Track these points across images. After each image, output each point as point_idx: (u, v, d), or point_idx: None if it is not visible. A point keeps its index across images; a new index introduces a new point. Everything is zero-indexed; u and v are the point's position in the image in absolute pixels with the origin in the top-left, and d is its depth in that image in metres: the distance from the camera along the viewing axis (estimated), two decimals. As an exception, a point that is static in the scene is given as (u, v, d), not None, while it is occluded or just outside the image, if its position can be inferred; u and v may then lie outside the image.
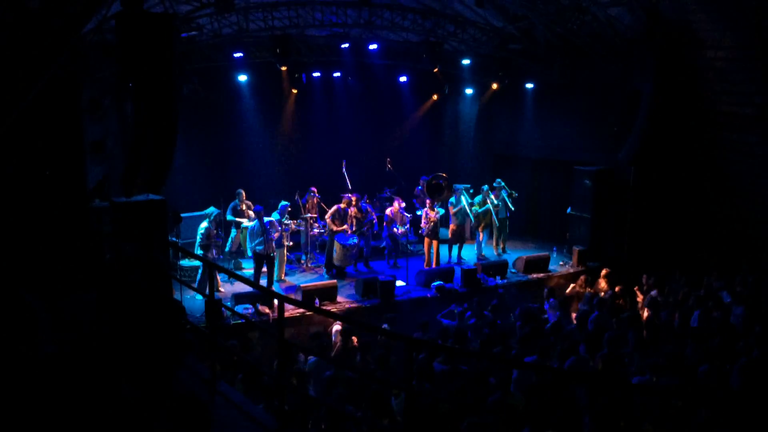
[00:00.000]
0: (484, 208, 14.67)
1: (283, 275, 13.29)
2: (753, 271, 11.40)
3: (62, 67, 5.88)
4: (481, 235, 14.97)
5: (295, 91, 16.12)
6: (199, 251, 12.16)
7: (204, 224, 12.38)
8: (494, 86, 17.00)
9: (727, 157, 13.45)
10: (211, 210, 12.64)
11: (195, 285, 11.76)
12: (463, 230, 14.82)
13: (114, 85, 11.13)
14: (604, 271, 12.44)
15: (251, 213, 12.99)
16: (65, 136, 6.24)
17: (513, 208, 15.06)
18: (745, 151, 13.11)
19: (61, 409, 3.90)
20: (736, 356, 7.85)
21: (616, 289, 11.34)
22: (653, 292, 11.11)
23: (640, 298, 11.59)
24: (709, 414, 5.87)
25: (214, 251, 12.47)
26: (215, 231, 12.58)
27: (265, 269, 12.29)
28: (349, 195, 14.01)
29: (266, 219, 12.30)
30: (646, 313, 10.51)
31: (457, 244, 14.78)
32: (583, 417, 6.19)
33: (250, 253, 12.66)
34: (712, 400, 6.03)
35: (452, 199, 14.52)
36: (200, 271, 12.22)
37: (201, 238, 12.29)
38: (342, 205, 13.49)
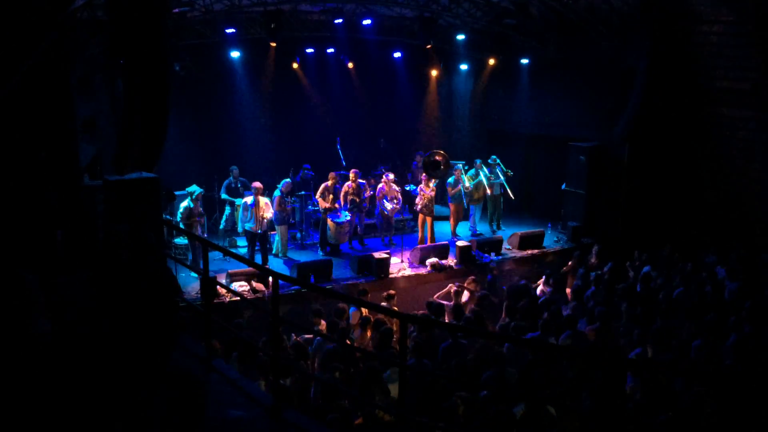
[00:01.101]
0: (476, 181, 14.57)
1: (286, 252, 13.31)
2: (745, 248, 11.46)
3: (51, 45, 5.81)
4: (473, 209, 14.91)
5: (291, 66, 15.98)
6: None
7: (184, 203, 12.10)
8: (491, 62, 16.85)
9: (721, 132, 13.45)
10: (193, 188, 12.24)
11: (188, 263, 11.76)
12: (461, 209, 14.80)
13: (104, 62, 11.00)
14: (595, 248, 12.49)
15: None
16: (56, 115, 6.17)
17: (509, 189, 14.96)
18: (740, 127, 13.11)
19: (55, 388, 3.91)
20: (728, 332, 7.93)
21: (610, 265, 11.40)
22: (646, 268, 11.17)
23: (631, 274, 11.65)
24: (702, 389, 5.93)
25: (199, 230, 12.33)
26: (199, 210, 12.28)
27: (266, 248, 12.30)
28: (345, 171, 13.96)
29: (264, 198, 12.27)
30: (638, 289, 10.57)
31: (452, 221, 14.80)
32: (580, 392, 6.26)
33: (240, 230, 12.67)
34: (705, 376, 6.10)
35: (450, 180, 14.44)
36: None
37: (181, 218, 11.99)
38: (329, 183, 13.43)
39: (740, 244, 11.75)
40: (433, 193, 13.88)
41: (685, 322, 8.57)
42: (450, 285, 10.82)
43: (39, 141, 5.93)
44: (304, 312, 10.43)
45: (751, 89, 12.46)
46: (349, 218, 13.33)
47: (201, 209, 12.38)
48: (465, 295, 10.67)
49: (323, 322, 8.81)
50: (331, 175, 13.58)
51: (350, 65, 16.86)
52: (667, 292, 9.75)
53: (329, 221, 13.19)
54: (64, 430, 3.87)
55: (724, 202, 13.37)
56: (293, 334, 8.91)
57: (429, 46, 15.61)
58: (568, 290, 11.12)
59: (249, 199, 12.21)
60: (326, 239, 13.47)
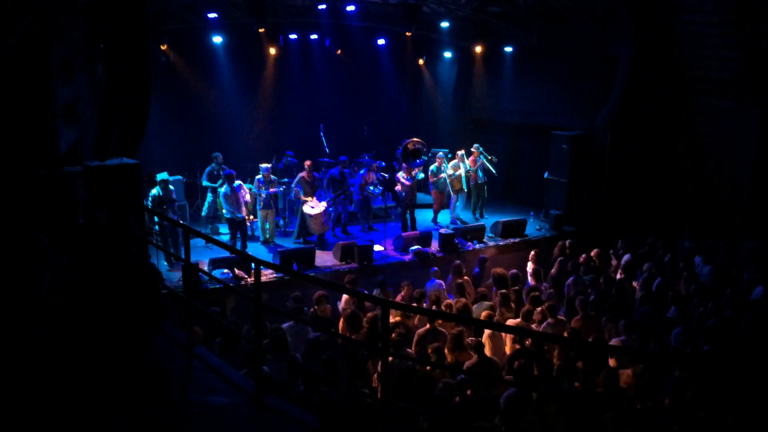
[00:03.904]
0: (457, 173, 14.57)
1: (273, 238, 13.29)
2: (724, 236, 11.58)
3: (30, 28, 5.71)
4: (455, 197, 14.93)
5: (274, 52, 15.84)
6: None
7: (153, 191, 11.73)
8: (478, 50, 16.79)
9: (702, 122, 13.56)
10: (162, 176, 11.91)
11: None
12: (442, 196, 14.82)
13: (85, 45, 10.83)
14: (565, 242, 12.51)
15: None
16: (35, 99, 6.08)
17: (495, 173, 15.01)
18: (720, 117, 13.21)
19: (41, 373, 3.87)
20: (706, 318, 8.04)
21: (593, 253, 11.48)
22: (626, 257, 11.26)
23: (614, 262, 11.75)
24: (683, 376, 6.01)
25: (174, 217, 12.11)
26: (170, 197, 11.94)
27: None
28: (329, 159, 13.87)
29: (236, 183, 12.23)
30: (619, 277, 10.68)
31: (434, 209, 14.83)
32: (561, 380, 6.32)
33: (227, 215, 12.61)
34: (684, 362, 6.17)
35: (433, 168, 14.45)
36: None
37: (151, 206, 11.55)
38: (305, 171, 13.38)
39: (719, 232, 11.88)
40: (413, 181, 13.89)
41: (667, 310, 8.67)
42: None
43: (19, 125, 5.85)
44: (286, 299, 10.41)
45: (733, 79, 12.55)
46: (324, 208, 13.16)
47: (173, 196, 12.14)
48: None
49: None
50: (307, 164, 13.52)
51: (335, 52, 16.77)
52: (649, 280, 9.85)
53: (304, 213, 13.13)
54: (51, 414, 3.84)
55: (705, 191, 13.50)
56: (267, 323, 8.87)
57: (409, 33, 15.47)
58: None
59: (228, 185, 12.21)
60: (305, 229, 13.35)
